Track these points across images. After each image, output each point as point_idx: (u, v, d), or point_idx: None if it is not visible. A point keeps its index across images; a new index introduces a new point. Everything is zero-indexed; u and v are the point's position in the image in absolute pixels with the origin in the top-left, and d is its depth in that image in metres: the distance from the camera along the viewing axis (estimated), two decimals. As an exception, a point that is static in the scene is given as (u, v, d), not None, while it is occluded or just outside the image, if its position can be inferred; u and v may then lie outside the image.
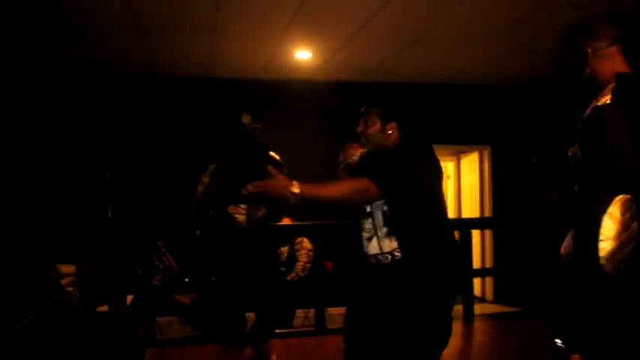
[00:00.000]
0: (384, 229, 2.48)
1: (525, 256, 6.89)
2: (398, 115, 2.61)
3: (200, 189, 4.23)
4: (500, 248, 7.64)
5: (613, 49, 1.85)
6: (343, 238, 4.29)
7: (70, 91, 6.36)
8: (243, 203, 4.22)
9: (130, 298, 4.77)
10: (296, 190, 2.23)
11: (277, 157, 4.52)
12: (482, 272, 7.68)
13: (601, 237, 1.63)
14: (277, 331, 5.16)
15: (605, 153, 1.69)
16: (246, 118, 4.36)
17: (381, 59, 6.18)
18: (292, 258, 5.78)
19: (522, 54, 6.05)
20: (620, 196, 1.63)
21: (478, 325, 5.65)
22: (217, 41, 5.45)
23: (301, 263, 5.72)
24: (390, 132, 2.58)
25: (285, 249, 5.84)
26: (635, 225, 1.61)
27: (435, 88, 7.44)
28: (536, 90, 7.24)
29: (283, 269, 5.70)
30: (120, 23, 4.86)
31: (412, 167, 2.44)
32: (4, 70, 5.34)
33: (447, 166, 8.77)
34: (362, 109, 2.69)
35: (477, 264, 7.41)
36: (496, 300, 7.57)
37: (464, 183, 8.40)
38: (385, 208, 2.47)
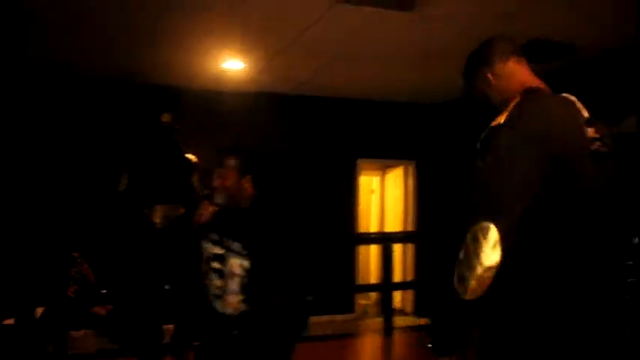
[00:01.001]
0: (239, 297, 2.48)
1: (445, 269, 7.07)
2: (254, 169, 2.49)
3: (119, 194, 4.17)
4: (421, 261, 7.81)
5: (511, 64, 1.83)
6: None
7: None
8: (160, 203, 4.15)
9: (40, 310, 4.53)
10: None
11: (194, 159, 4.46)
12: (402, 285, 7.84)
13: (458, 261, 1.59)
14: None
15: (482, 176, 1.61)
16: (165, 117, 4.30)
17: (312, 73, 6.21)
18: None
19: (450, 74, 6.24)
20: (479, 224, 1.51)
21: (397, 337, 5.75)
22: (143, 46, 5.32)
23: None
24: (246, 186, 2.46)
25: None
26: (485, 256, 1.49)
27: (363, 103, 7.56)
28: (462, 109, 7.49)
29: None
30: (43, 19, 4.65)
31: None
32: None
33: (373, 181, 8.92)
34: (216, 160, 2.47)
35: (398, 277, 7.55)
36: (416, 313, 7.73)
37: (388, 197, 8.55)
38: (246, 280, 2.45)
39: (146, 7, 4.33)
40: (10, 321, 4.25)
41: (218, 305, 2.50)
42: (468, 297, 1.54)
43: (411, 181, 8.04)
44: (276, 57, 5.60)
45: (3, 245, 5.02)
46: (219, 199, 2.45)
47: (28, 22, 4.68)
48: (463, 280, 1.57)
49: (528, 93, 1.68)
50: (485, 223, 1.50)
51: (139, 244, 4.30)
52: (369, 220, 8.95)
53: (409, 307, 7.87)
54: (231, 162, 2.43)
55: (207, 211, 2.58)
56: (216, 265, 2.49)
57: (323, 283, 6.54)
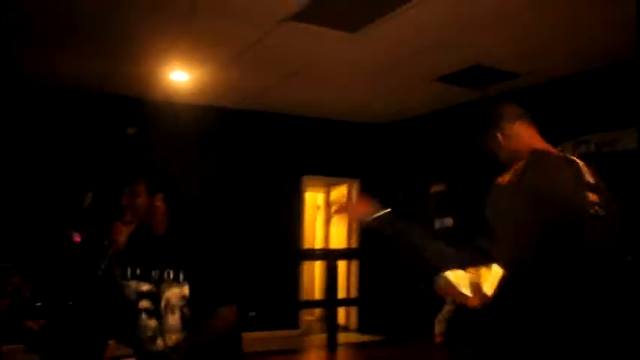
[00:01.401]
0: (179, 335, 2.32)
1: (389, 286, 7.16)
2: (165, 186, 2.38)
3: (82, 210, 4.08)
4: (365, 278, 7.87)
5: (518, 126, 1.95)
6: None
7: None
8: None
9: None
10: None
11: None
12: (346, 302, 7.86)
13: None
14: None
15: (492, 226, 1.67)
16: (130, 130, 4.23)
17: (259, 88, 6.22)
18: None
19: (398, 95, 6.40)
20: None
21: (342, 353, 5.76)
22: (90, 55, 5.21)
23: None
24: (157, 204, 2.34)
25: None
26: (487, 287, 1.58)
27: (309, 121, 7.62)
28: (407, 128, 7.66)
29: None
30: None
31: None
32: None
33: (317, 197, 8.95)
34: (127, 179, 2.38)
35: (342, 293, 7.57)
36: (360, 329, 7.76)
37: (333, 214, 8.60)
38: (186, 311, 2.28)
39: (96, 13, 4.26)
40: None
41: (155, 347, 2.29)
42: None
43: (355, 199, 8.11)
44: (222, 70, 5.58)
45: None
46: (129, 217, 2.32)
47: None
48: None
49: (535, 154, 1.78)
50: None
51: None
52: (314, 237, 8.97)
53: (353, 324, 7.89)
54: (140, 179, 2.34)
55: (120, 234, 2.33)
56: (145, 304, 2.30)
57: (267, 298, 6.50)
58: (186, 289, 2.24)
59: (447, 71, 5.41)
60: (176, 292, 2.24)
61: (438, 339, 5.97)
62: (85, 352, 4.91)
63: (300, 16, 4.21)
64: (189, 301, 2.24)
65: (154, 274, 2.29)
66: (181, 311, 2.25)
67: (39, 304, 5.06)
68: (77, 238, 5.97)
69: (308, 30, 4.45)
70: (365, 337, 7.16)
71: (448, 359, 5.62)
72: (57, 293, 5.34)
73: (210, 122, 6.99)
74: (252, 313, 5.75)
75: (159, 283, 2.27)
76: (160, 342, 2.28)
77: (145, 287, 2.31)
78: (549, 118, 5.59)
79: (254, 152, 7.37)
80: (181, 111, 6.82)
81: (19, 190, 6.12)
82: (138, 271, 2.33)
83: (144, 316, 2.31)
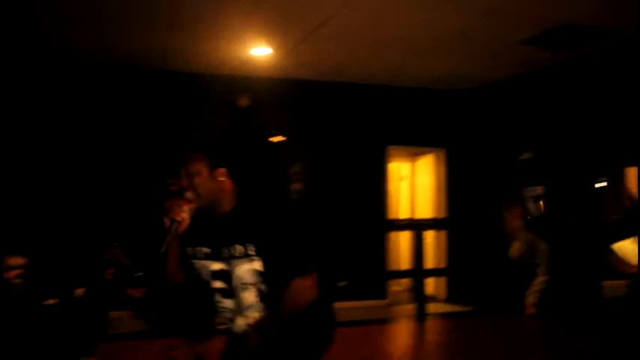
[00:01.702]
0: (257, 313, 2.22)
1: (478, 257, 7.04)
2: (227, 160, 2.22)
3: None
4: (453, 248, 7.77)
5: None
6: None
7: (23, 78, 6.14)
8: None
9: (80, 291, 4.64)
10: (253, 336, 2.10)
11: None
12: (434, 272, 7.80)
13: None
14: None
15: None
16: (243, 101, 4.25)
17: (338, 59, 6.20)
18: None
19: (481, 59, 6.19)
20: None
21: (430, 324, 5.74)
22: (173, 34, 5.36)
23: None
24: (221, 180, 2.19)
25: None
26: None
27: (393, 90, 7.53)
28: (493, 95, 7.42)
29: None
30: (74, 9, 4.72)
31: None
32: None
33: (403, 167, 8.88)
34: (182, 159, 2.23)
35: (430, 264, 7.52)
36: (449, 299, 7.70)
37: (418, 184, 8.51)
38: (262, 287, 2.16)
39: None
40: (53, 301, 4.36)
41: (235, 327, 2.21)
42: None
43: (441, 168, 7.99)
44: (303, 43, 5.60)
45: (46, 230, 5.15)
46: (191, 196, 2.17)
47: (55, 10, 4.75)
48: None
49: None
50: None
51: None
52: (398, 207, 8.93)
53: (442, 294, 7.84)
54: (198, 157, 2.19)
55: (181, 213, 2.17)
56: (219, 284, 2.21)
57: (355, 268, 6.56)
58: (257, 264, 2.11)
59: (533, 33, 5.16)
60: (247, 269, 2.12)
61: (529, 310, 5.82)
62: (186, 319, 5.18)
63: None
64: (264, 277, 2.12)
65: (225, 251, 2.16)
66: (257, 288, 2.14)
67: (140, 273, 5.38)
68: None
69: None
70: (454, 308, 7.10)
71: (540, 331, 5.48)
72: (154, 264, 5.65)
73: (292, 95, 7.06)
74: (343, 283, 5.84)
75: (230, 259, 2.15)
76: (240, 321, 2.20)
77: (217, 266, 2.19)
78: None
79: (338, 124, 7.38)
80: (263, 85, 6.93)
81: (120, 165, 6.52)
82: (208, 251, 2.21)
83: (219, 296, 2.23)
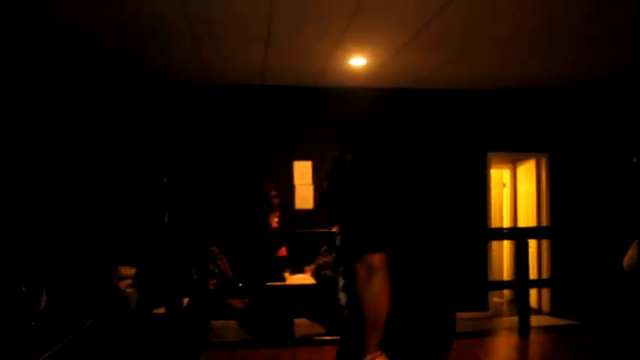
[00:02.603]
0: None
1: (584, 267, 6.69)
2: (354, 144, 2.23)
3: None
4: (557, 258, 7.43)
5: None
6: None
7: (129, 101, 6.58)
8: None
9: (185, 301, 4.87)
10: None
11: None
12: (538, 283, 7.48)
13: None
14: (331, 338, 5.20)
15: None
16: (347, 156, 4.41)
17: (435, 66, 6.13)
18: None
19: (582, 57, 5.90)
20: None
21: (534, 337, 5.50)
22: (271, 49, 5.53)
23: None
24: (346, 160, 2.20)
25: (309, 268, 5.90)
26: None
27: (490, 94, 7.33)
28: (597, 94, 7.03)
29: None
30: (176, 30, 4.97)
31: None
32: (64, 80, 5.57)
33: (503, 174, 8.61)
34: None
35: (533, 274, 7.22)
36: (553, 312, 7.35)
37: (520, 191, 8.21)
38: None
39: (268, 7, 4.52)
40: (161, 310, 4.61)
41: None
42: None
43: (543, 174, 7.67)
44: (399, 52, 5.58)
45: (155, 241, 5.46)
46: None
47: (164, 31, 5.04)
48: None
49: None
50: None
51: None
52: (501, 215, 8.66)
53: (546, 306, 7.50)
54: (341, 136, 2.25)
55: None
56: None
57: (455, 278, 6.41)
58: (337, 240, 2.16)
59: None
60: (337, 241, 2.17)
61: (645, 325, 5.45)
62: (279, 329, 5.30)
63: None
64: (338, 251, 2.15)
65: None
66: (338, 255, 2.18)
67: (241, 284, 5.59)
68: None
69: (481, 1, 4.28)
70: (559, 321, 6.77)
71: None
72: (257, 275, 5.84)
73: (387, 103, 7.06)
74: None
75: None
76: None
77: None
78: None
79: (436, 131, 7.29)
80: (358, 94, 7.00)
81: (222, 177, 6.85)
82: None
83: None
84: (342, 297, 2.13)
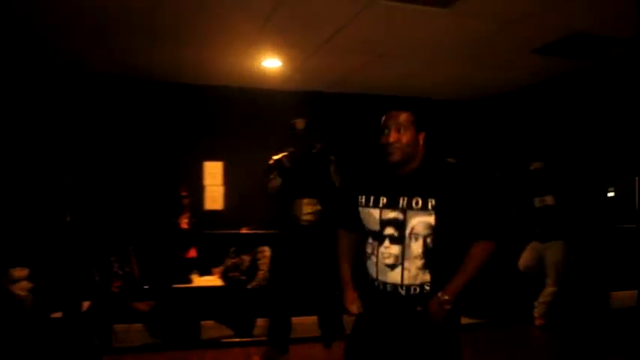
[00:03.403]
0: (420, 262, 2.31)
1: (486, 268, 6.97)
2: (427, 126, 2.43)
3: (276, 184, 4.33)
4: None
5: None
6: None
7: (26, 89, 6.18)
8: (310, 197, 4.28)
9: (86, 304, 4.66)
10: (447, 299, 2.30)
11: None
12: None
13: None
14: (239, 340, 5.14)
15: None
16: (299, 124, 4.37)
17: (350, 70, 6.20)
18: (254, 267, 5.74)
19: (491, 70, 6.18)
20: None
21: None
22: (184, 48, 5.40)
23: (262, 272, 5.68)
24: (420, 142, 2.40)
25: (247, 257, 5.80)
26: None
27: (399, 100, 7.50)
28: (501, 105, 7.40)
29: (244, 278, 5.67)
30: (88, 23, 4.76)
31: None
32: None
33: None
34: (389, 116, 2.42)
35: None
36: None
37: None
38: (429, 240, 2.30)
39: (185, 7, 4.40)
40: (58, 314, 4.38)
41: (388, 277, 2.34)
42: None
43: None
44: (314, 55, 5.61)
45: (52, 242, 5.17)
46: (396, 155, 2.33)
47: (77, 23, 4.80)
48: None
49: None
50: None
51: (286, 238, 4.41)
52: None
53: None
54: (409, 117, 2.38)
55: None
56: (390, 230, 2.34)
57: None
58: (432, 219, 2.26)
59: (543, 42, 5.14)
60: (422, 221, 2.27)
61: (537, 322, 5.78)
62: (185, 332, 5.18)
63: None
64: (435, 231, 2.27)
65: (402, 201, 2.31)
66: (424, 240, 2.28)
67: (147, 286, 5.40)
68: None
69: (398, 8, 4.36)
70: (465, 320, 7.02)
71: (549, 343, 5.42)
72: (165, 276, 5.67)
73: (299, 107, 7.04)
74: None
75: (405, 211, 2.30)
76: (399, 270, 2.31)
77: (392, 215, 2.33)
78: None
79: (344, 135, 7.37)
80: (273, 96, 6.99)
81: (133, 176, 6.58)
82: (384, 200, 2.35)
83: (387, 242, 2.33)
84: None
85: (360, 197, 2.43)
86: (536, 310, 5.82)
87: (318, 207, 4.31)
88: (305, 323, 4.85)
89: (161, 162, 6.69)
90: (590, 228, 5.96)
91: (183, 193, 6.32)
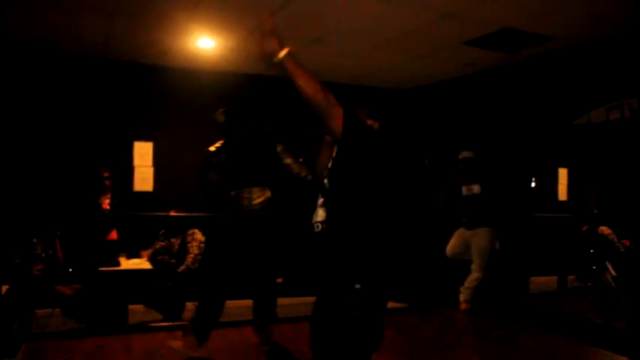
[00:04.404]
0: (321, 200, 2.49)
1: (412, 254, 7.16)
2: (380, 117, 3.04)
3: (213, 176, 4.27)
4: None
5: None
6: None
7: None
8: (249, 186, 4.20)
9: (5, 288, 4.46)
10: (283, 53, 2.43)
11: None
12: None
13: None
14: (167, 324, 5.06)
15: None
16: (219, 118, 4.30)
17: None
18: (183, 250, 5.65)
19: (423, 60, 6.28)
20: None
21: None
22: (115, 22, 5.20)
23: (192, 255, 5.60)
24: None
25: (176, 240, 5.70)
26: None
27: (335, 87, 7.52)
28: (432, 95, 7.56)
29: (174, 261, 5.58)
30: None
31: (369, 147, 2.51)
32: None
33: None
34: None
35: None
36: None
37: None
38: (326, 180, 2.50)
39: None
40: (-26, 299, 4.17)
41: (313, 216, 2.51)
42: None
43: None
44: (249, 37, 5.53)
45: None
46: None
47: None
48: None
49: None
50: None
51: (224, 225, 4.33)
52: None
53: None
54: (362, 109, 3.08)
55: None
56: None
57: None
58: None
59: (473, 35, 5.27)
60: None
61: (463, 306, 5.99)
62: (111, 316, 5.06)
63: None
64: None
65: None
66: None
67: (71, 269, 5.22)
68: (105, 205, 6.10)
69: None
70: (393, 304, 7.19)
71: (473, 327, 5.64)
72: (89, 259, 5.49)
73: (235, 89, 6.97)
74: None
75: None
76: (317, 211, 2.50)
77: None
78: (582, 82, 5.49)
79: (283, 119, 7.32)
80: (208, 77, 6.84)
81: (57, 155, 6.30)
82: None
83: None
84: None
85: None
86: (461, 294, 6.04)
87: (268, 195, 4.27)
88: (238, 307, 4.84)
89: (89, 141, 6.44)
90: (514, 216, 6.21)
91: (105, 174, 6.12)
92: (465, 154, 6.14)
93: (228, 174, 4.27)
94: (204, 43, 5.83)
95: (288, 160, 4.26)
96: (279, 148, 4.30)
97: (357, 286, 2.30)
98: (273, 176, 4.33)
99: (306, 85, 2.45)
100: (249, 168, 4.26)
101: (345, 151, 2.44)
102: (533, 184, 6.43)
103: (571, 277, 7.08)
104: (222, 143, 4.35)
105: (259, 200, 4.23)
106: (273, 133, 4.43)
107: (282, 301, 5.41)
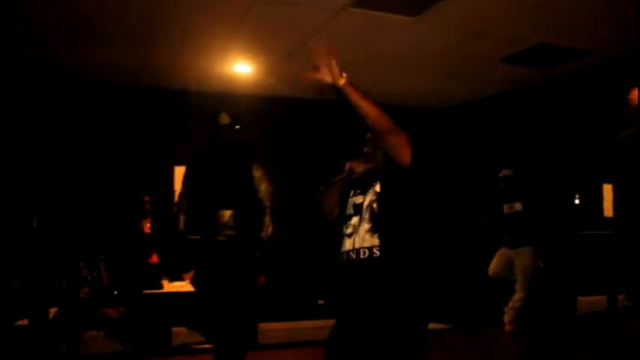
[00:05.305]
0: (367, 225, 2.43)
1: (454, 274, 7.05)
2: None
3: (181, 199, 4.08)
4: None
5: None
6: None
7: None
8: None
9: (54, 311, 4.56)
10: (343, 81, 2.46)
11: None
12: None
13: None
14: (210, 346, 5.09)
15: None
16: (224, 119, 4.26)
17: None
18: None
19: (454, 79, 6.26)
20: None
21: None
22: (148, 50, 5.36)
23: None
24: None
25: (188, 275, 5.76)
26: None
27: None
28: (470, 113, 7.50)
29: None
30: (50, 25, 4.69)
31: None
32: None
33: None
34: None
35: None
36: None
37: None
38: (375, 205, 2.46)
39: (156, 9, 4.37)
40: (24, 321, 4.28)
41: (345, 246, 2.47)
42: None
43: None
44: (284, 61, 5.62)
45: (18, 247, 5.06)
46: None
47: (39, 25, 4.72)
48: None
49: None
50: None
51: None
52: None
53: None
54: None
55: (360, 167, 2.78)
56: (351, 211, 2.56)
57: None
58: (378, 186, 2.56)
59: (510, 52, 5.24)
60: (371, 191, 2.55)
61: (507, 327, 5.86)
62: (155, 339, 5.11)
63: (361, 3, 4.19)
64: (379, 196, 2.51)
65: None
66: (371, 209, 2.50)
67: (115, 292, 5.31)
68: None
69: (369, 16, 4.41)
70: (432, 325, 7.06)
71: (518, 348, 5.50)
72: (133, 283, 5.58)
73: (271, 112, 7.03)
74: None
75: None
76: (353, 238, 2.46)
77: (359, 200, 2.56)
78: (625, 94, 5.37)
79: (319, 141, 7.36)
80: (244, 101, 6.93)
81: (101, 181, 6.46)
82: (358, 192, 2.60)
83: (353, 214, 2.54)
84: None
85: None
86: (506, 315, 5.91)
87: (240, 218, 3.89)
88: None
89: (130, 167, 6.60)
90: (558, 234, 6.08)
91: (146, 199, 6.23)
92: (505, 172, 6.06)
93: (204, 190, 3.98)
94: (241, 68, 5.94)
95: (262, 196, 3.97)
96: (253, 168, 4.01)
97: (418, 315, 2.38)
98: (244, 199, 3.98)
99: (376, 118, 2.56)
100: (225, 186, 3.94)
101: (411, 179, 2.49)
102: (577, 201, 6.29)
103: (621, 296, 6.86)
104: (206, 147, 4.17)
105: (230, 225, 3.88)
106: (255, 150, 4.21)
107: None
